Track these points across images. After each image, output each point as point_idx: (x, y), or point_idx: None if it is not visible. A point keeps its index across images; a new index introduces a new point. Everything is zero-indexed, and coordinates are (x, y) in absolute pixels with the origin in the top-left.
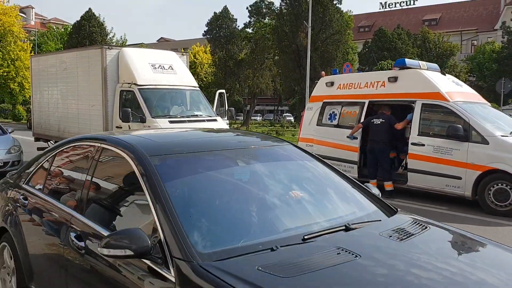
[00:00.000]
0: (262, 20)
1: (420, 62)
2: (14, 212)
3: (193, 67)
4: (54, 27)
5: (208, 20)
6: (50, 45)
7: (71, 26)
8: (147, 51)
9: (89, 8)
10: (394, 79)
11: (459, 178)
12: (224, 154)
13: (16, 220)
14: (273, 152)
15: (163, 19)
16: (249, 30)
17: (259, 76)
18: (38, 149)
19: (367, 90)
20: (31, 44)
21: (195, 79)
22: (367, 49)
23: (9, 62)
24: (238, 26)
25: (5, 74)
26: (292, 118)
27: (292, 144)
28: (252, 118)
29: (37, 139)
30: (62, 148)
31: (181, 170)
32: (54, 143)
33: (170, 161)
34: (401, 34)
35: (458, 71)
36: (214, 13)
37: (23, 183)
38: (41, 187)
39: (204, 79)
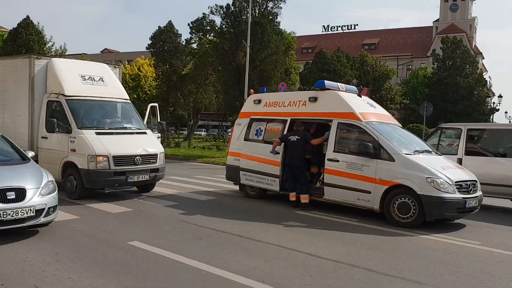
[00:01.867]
0: (204, 37)
1: (339, 84)
2: None
3: (137, 80)
4: None
5: (152, 33)
6: None
7: (7, 33)
8: (78, 62)
9: (27, 16)
10: (314, 99)
11: (369, 192)
12: None
13: None
14: None
15: (107, 30)
16: (194, 46)
17: (202, 91)
18: None
19: (290, 108)
20: None
21: (139, 91)
22: (307, 70)
23: None
24: (183, 41)
25: None
26: None
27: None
28: (196, 132)
29: None
30: None
31: None
32: None
33: None
34: (340, 57)
35: (393, 93)
36: (159, 27)
37: None
38: None
39: (148, 92)
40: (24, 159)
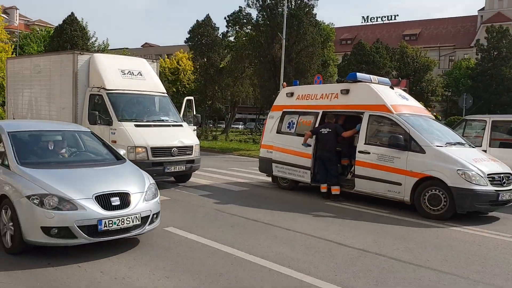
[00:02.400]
0: (241, 30)
1: (372, 76)
2: None
3: (176, 74)
4: (38, 29)
5: (190, 27)
6: (32, 47)
7: (53, 30)
8: (118, 57)
9: (72, 12)
10: (346, 92)
11: (399, 184)
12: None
13: None
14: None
15: (149, 24)
16: (231, 39)
17: (239, 84)
18: None
19: (322, 101)
20: (13, 46)
21: (178, 85)
22: (346, 62)
23: None
24: (220, 35)
25: None
26: None
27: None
28: (234, 126)
29: None
30: None
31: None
32: None
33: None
34: (379, 48)
35: (435, 85)
36: (197, 21)
37: None
38: None
39: (187, 85)
40: (118, 158)
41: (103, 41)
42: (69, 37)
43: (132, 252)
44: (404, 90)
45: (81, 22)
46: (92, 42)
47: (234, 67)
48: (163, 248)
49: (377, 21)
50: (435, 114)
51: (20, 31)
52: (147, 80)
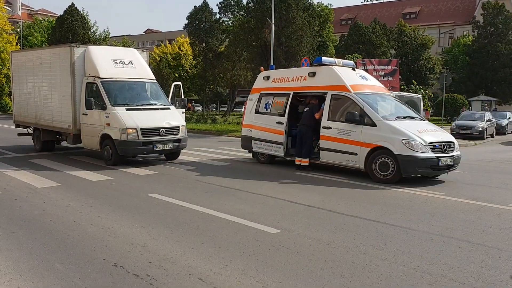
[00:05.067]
0: (233, 15)
1: (336, 59)
2: None
3: (178, 59)
4: (41, 19)
5: (188, 13)
6: (36, 37)
7: (55, 20)
8: (110, 48)
9: (72, 3)
10: (313, 74)
11: (355, 154)
12: None
13: None
14: None
15: (151, 10)
16: (229, 23)
17: (237, 68)
18: (19, 134)
19: (293, 83)
20: (17, 36)
21: (180, 70)
22: (343, 43)
23: None
24: (221, 18)
25: None
26: None
27: None
28: (236, 110)
29: (17, 126)
30: None
31: None
32: (32, 129)
33: None
34: (375, 28)
35: (433, 63)
36: (194, 6)
37: None
38: None
39: (189, 70)
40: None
41: (104, 29)
42: (71, 27)
43: (117, 211)
44: (394, 69)
45: (81, 13)
46: (93, 31)
47: (232, 51)
48: (144, 208)
49: (376, 0)
50: (427, 92)
51: (23, 21)
52: (137, 68)
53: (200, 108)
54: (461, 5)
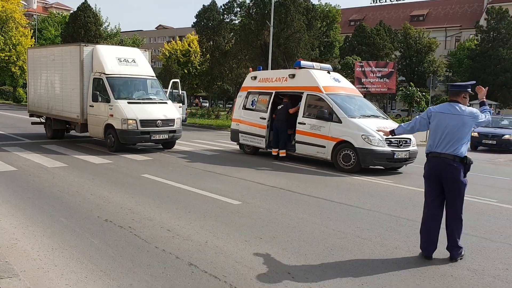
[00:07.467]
0: (236, 16)
1: (314, 63)
2: None
3: (187, 55)
4: (56, 12)
5: (197, 12)
6: (50, 31)
7: (69, 16)
8: (115, 48)
9: (85, 0)
10: (292, 76)
11: (324, 147)
12: None
13: None
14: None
15: (163, 6)
16: (236, 22)
17: (242, 67)
18: (32, 123)
19: (276, 83)
20: (32, 30)
21: (189, 66)
22: (347, 44)
23: (11, 47)
24: (225, 19)
25: (7, 58)
26: None
27: None
28: None
29: (31, 115)
30: None
31: None
32: (44, 118)
33: None
34: (380, 30)
35: (436, 66)
36: (203, 5)
37: None
38: None
39: (198, 67)
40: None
41: (115, 25)
42: (83, 23)
43: (113, 186)
44: (391, 71)
45: (94, 9)
46: (105, 27)
47: (237, 49)
48: (136, 184)
49: (386, 1)
50: (424, 94)
51: (38, 14)
52: (139, 66)
53: (207, 104)
54: (468, 8)
